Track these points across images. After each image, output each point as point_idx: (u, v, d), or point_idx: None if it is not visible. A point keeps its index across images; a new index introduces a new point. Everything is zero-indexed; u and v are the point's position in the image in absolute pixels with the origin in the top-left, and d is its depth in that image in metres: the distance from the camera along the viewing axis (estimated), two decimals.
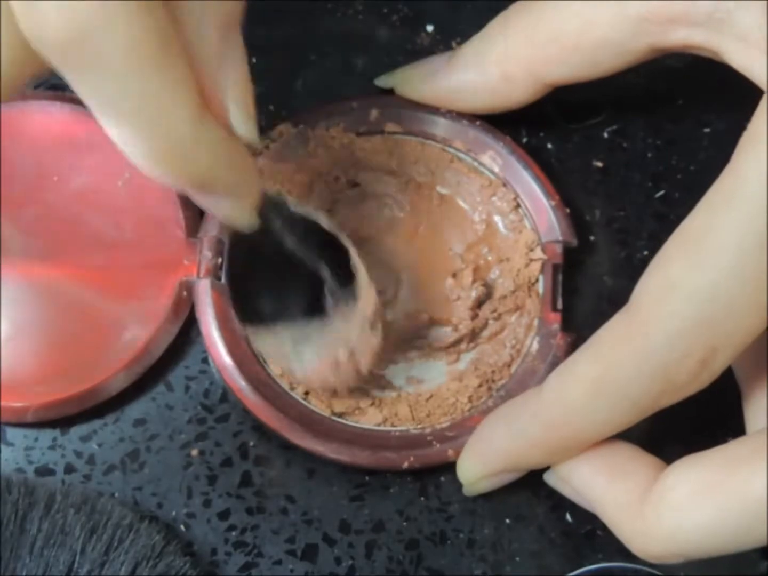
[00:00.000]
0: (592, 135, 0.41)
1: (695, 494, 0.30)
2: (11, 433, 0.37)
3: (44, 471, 0.37)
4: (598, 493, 0.33)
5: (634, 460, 0.33)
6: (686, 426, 0.36)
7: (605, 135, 0.41)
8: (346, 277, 0.35)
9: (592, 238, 0.40)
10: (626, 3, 0.34)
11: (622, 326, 0.31)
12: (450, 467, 0.37)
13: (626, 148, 0.41)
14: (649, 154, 0.41)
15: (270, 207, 0.33)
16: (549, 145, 0.41)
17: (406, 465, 0.36)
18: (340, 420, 0.37)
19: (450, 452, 0.36)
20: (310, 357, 0.36)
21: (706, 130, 0.42)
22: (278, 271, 0.35)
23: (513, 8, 0.36)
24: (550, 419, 0.33)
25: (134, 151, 0.28)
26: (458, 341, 0.38)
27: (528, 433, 0.34)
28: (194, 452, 0.37)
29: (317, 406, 0.37)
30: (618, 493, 0.32)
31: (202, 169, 0.29)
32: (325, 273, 0.35)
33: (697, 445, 0.32)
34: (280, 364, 0.37)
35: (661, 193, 0.41)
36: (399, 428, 0.37)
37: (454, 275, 0.39)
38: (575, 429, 0.33)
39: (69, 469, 0.37)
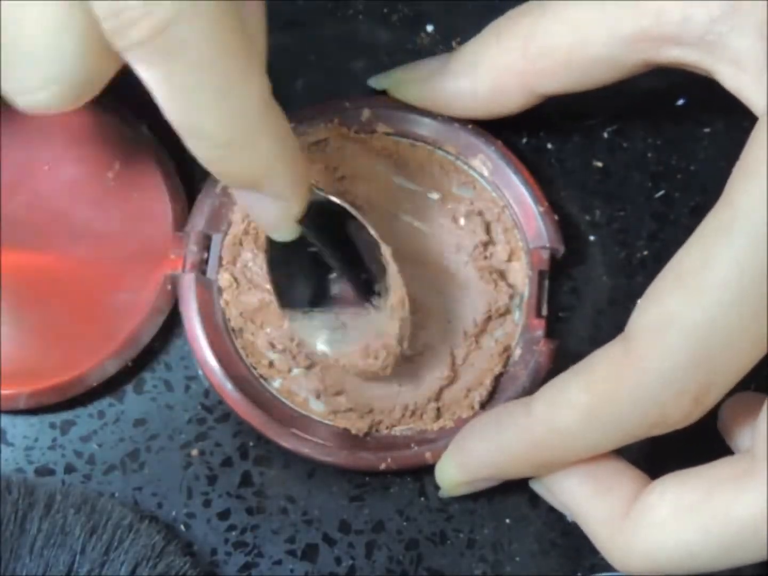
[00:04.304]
0: (592, 135, 0.41)
1: (677, 514, 0.30)
2: (11, 433, 0.37)
3: (44, 471, 0.37)
4: (581, 506, 0.33)
5: (619, 475, 0.33)
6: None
7: (605, 135, 0.41)
8: (377, 270, 0.36)
9: (592, 238, 0.40)
10: (619, 22, 0.33)
11: (617, 358, 0.31)
12: (432, 469, 0.36)
13: (626, 148, 0.41)
14: (649, 154, 0.41)
15: (311, 211, 0.33)
16: (549, 145, 0.41)
17: (383, 466, 0.36)
18: (319, 419, 0.37)
19: (428, 455, 0.36)
20: (345, 342, 0.36)
21: (706, 130, 0.42)
22: (316, 261, 0.36)
23: (507, 16, 0.36)
24: (538, 439, 0.33)
25: (200, 141, 0.29)
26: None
27: (513, 448, 0.34)
28: (194, 452, 0.37)
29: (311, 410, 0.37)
30: (601, 508, 0.32)
31: (262, 159, 0.30)
32: (359, 264, 0.36)
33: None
34: (313, 348, 0.37)
35: (661, 193, 0.41)
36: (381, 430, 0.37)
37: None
38: (562, 450, 0.33)
39: (69, 469, 0.37)
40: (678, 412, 0.30)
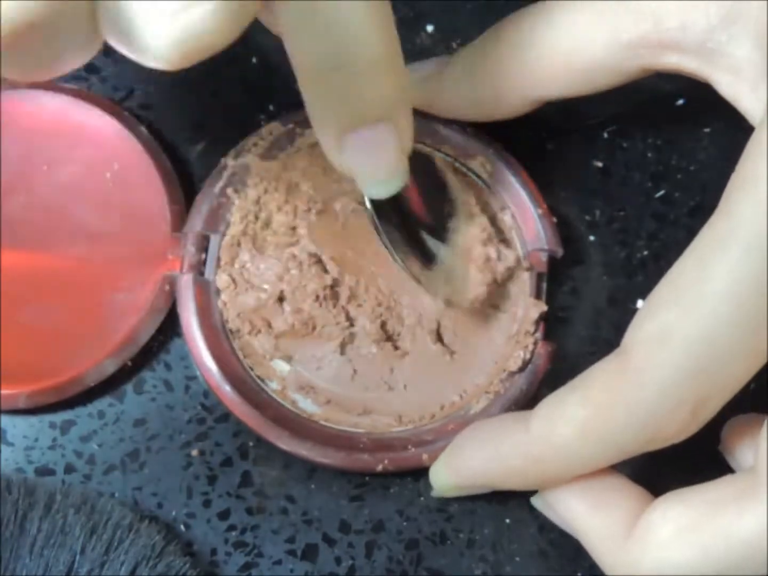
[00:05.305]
0: (592, 135, 0.41)
1: (679, 533, 0.30)
2: (11, 433, 0.37)
3: (44, 471, 0.37)
4: (583, 523, 0.33)
5: (620, 492, 0.33)
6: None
7: (605, 135, 0.41)
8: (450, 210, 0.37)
9: (592, 238, 0.40)
10: (619, 28, 0.34)
11: (614, 372, 0.31)
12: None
13: (626, 148, 0.41)
14: (649, 154, 0.41)
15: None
16: (549, 145, 0.41)
17: (380, 468, 0.36)
18: (315, 421, 0.37)
19: (425, 457, 0.36)
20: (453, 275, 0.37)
21: (706, 130, 0.42)
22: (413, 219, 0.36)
23: (506, 21, 0.36)
24: (534, 453, 0.33)
25: (352, 66, 0.28)
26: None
27: (508, 461, 0.33)
28: (194, 452, 0.37)
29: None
30: (603, 525, 0.32)
31: (402, 81, 0.30)
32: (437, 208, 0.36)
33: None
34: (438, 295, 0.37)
35: (661, 193, 0.41)
36: (377, 431, 0.37)
37: None
38: (560, 466, 0.33)
39: (69, 469, 0.37)
40: (675, 426, 0.30)
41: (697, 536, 0.30)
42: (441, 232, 0.36)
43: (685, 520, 0.30)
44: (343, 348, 0.37)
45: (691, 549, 0.30)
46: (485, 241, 0.37)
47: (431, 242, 0.36)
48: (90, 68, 0.41)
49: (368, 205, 0.34)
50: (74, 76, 0.41)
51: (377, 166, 0.31)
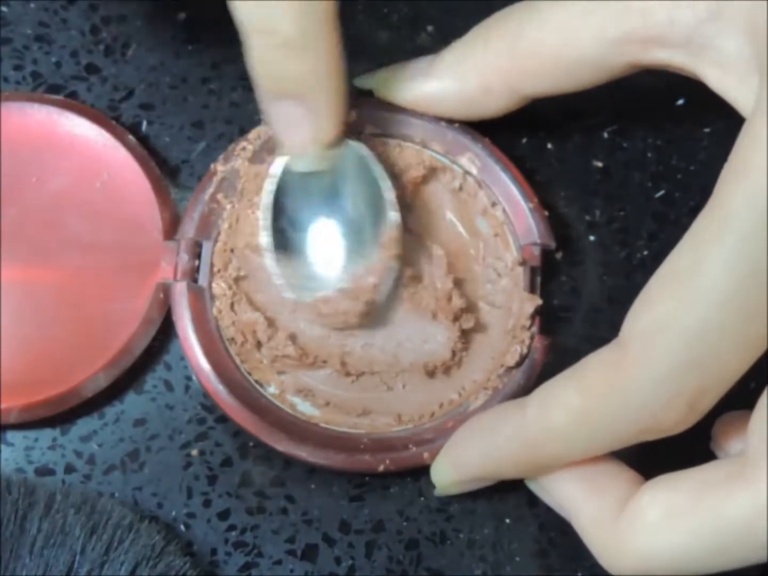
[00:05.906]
0: (592, 135, 0.41)
1: (667, 516, 0.30)
2: (11, 433, 0.37)
3: (44, 471, 0.37)
4: (575, 506, 0.33)
5: (614, 477, 0.33)
6: None
7: (605, 135, 0.41)
8: (376, 210, 0.36)
9: (591, 238, 0.40)
10: (606, 23, 0.34)
11: (610, 362, 0.31)
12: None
13: (626, 148, 0.41)
14: (649, 154, 0.41)
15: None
16: (549, 145, 0.41)
17: (381, 468, 0.36)
18: (315, 423, 0.37)
19: (426, 455, 0.36)
20: (326, 284, 0.36)
21: (706, 130, 0.42)
22: (322, 205, 0.36)
23: (494, 17, 0.36)
24: (531, 440, 0.33)
25: (265, 38, 0.31)
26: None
27: (506, 448, 0.34)
28: (194, 452, 0.37)
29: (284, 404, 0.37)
30: (594, 509, 0.32)
31: (315, 67, 0.31)
32: (356, 205, 0.36)
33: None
34: (291, 291, 0.37)
35: (661, 193, 0.41)
36: (377, 431, 0.37)
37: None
38: (555, 452, 0.33)
39: (69, 469, 0.37)
40: (671, 417, 0.30)
41: (684, 519, 0.30)
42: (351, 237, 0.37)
43: (674, 503, 0.30)
44: (343, 367, 0.37)
45: (679, 532, 0.30)
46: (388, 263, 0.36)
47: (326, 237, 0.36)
48: (90, 68, 0.41)
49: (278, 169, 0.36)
50: (74, 76, 0.41)
51: (287, 140, 0.34)
